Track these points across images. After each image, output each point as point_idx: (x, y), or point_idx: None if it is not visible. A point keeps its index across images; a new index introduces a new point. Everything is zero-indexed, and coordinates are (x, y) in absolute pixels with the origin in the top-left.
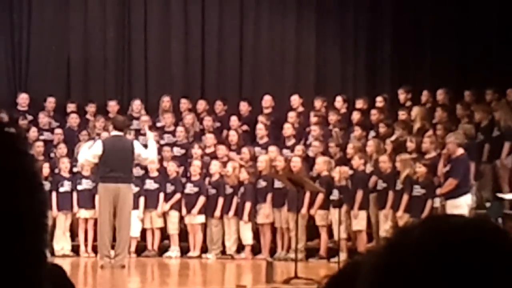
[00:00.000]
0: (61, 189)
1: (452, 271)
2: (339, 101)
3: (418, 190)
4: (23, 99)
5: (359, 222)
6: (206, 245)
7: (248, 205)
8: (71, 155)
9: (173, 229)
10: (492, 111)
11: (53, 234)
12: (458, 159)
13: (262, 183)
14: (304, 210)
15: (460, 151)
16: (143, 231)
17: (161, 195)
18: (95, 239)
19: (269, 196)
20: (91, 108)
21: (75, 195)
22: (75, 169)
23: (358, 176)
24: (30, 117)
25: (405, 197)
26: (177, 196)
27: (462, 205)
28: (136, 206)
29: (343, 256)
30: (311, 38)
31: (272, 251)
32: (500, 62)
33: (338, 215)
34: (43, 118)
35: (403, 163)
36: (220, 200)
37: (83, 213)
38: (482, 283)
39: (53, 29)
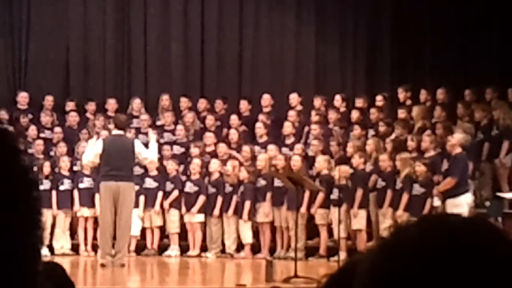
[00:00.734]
0: (61, 188)
1: (448, 270)
2: (338, 100)
3: (417, 189)
4: (22, 97)
5: (359, 221)
6: (205, 244)
7: (247, 204)
8: (71, 153)
9: (173, 228)
10: (491, 110)
11: (53, 232)
12: (457, 158)
13: (261, 182)
14: (303, 209)
15: (459, 149)
16: (143, 230)
17: (160, 193)
18: (95, 238)
19: (268, 195)
20: (90, 106)
21: (76, 193)
22: (75, 168)
23: (358, 175)
24: (30, 116)
25: (405, 196)
26: (175, 193)
27: (462, 204)
28: (136, 205)
29: (342, 255)
30: (310, 37)
31: (272, 250)
32: (500, 62)
33: (338, 214)
34: (44, 117)
35: (403, 162)
36: (220, 199)
37: (84, 212)
38: (479, 282)
39: (52, 28)
